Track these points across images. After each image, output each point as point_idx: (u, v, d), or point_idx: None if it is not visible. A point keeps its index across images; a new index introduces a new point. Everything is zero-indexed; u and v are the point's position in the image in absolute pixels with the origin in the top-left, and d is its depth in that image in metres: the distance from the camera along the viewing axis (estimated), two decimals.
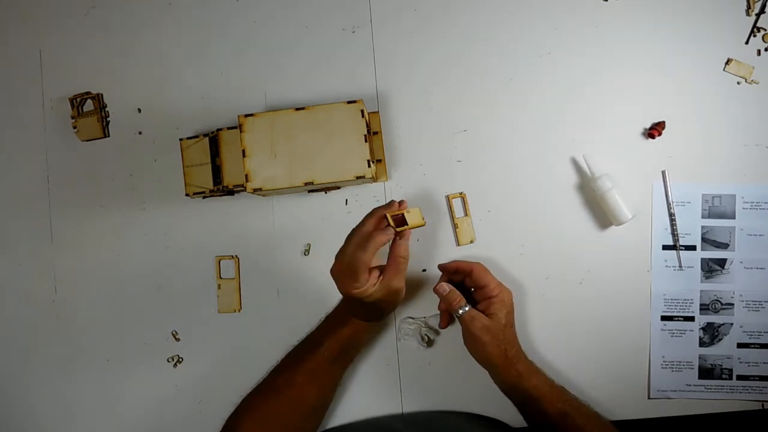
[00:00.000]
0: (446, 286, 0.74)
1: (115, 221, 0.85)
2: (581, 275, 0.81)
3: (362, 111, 0.73)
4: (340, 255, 0.68)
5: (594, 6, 0.82)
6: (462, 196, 0.82)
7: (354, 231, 0.68)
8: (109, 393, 0.84)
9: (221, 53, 0.85)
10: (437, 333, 0.82)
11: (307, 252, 0.83)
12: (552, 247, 0.81)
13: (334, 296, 0.81)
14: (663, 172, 0.81)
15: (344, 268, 0.67)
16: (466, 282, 0.76)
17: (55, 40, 0.86)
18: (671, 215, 0.81)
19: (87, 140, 0.85)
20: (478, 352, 0.73)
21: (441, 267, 0.77)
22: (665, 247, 0.81)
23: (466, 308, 0.72)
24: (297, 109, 0.73)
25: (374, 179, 0.77)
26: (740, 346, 0.81)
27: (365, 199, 0.83)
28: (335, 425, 0.81)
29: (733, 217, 0.80)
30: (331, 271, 0.69)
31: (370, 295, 0.68)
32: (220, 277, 0.83)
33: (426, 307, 0.82)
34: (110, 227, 0.85)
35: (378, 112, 0.82)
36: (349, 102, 0.73)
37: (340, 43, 0.84)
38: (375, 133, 0.82)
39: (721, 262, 0.81)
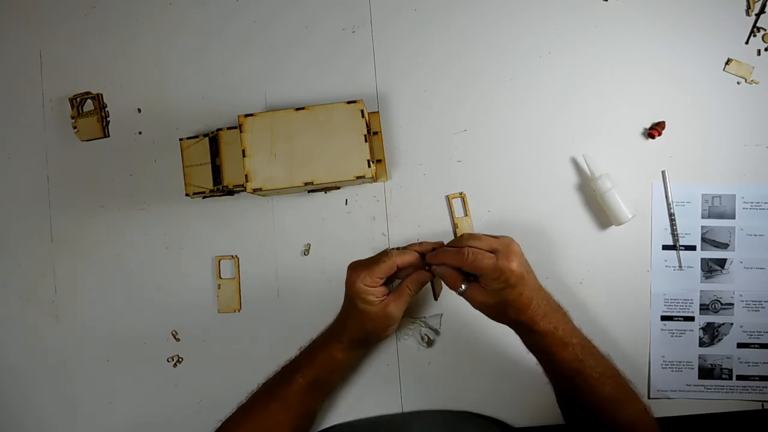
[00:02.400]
0: (439, 270, 0.69)
1: (115, 221, 0.85)
2: (581, 275, 0.81)
3: (362, 111, 0.73)
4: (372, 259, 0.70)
5: (594, 6, 0.82)
6: (462, 196, 0.82)
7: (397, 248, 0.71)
8: (109, 393, 0.84)
9: (221, 53, 0.85)
10: (437, 333, 0.82)
11: (307, 252, 0.83)
12: (552, 247, 0.81)
13: (334, 296, 0.82)
14: (663, 172, 0.81)
15: (369, 260, 0.69)
16: None
17: (55, 40, 0.86)
18: (671, 215, 0.81)
19: (87, 140, 0.85)
20: (489, 317, 0.69)
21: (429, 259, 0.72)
22: (665, 247, 0.81)
23: (464, 287, 0.67)
24: (297, 109, 0.73)
25: (374, 179, 0.77)
26: (740, 346, 0.81)
27: (365, 199, 0.83)
28: (335, 424, 0.81)
29: (733, 217, 0.81)
30: (351, 263, 0.70)
31: (370, 302, 0.68)
32: (220, 277, 0.83)
33: (426, 307, 0.82)
34: (110, 227, 0.85)
35: (378, 112, 0.82)
36: (349, 102, 0.73)
37: (340, 43, 0.84)
38: (375, 133, 0.82)
39: (721, 262, 0.81)
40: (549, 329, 0.67)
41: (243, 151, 0.73)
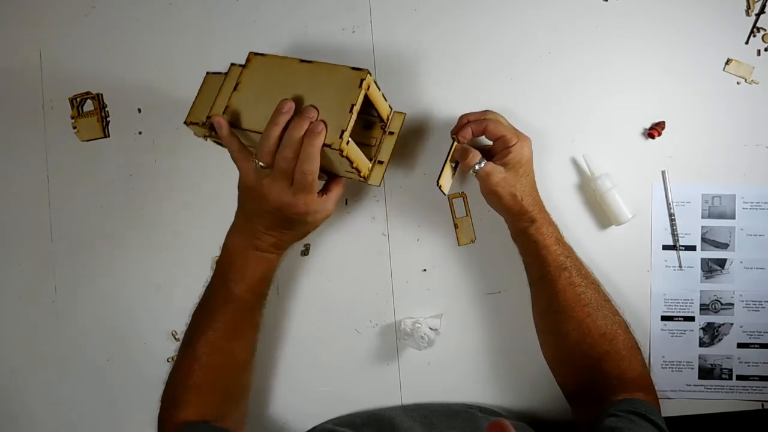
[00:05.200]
0: (460, 147, 0.73)
1: (115, 221, 0.85)
2: None
3: (362, 81, 0.65)
4: None
5: (594, 6, 0.82)
6: (462, 196, 0.82)
7: None
8: (109, 393, 0.84)
9: (221, 53, 0.84)
10: (437, 333, 0.82)
11: (306, 252, 0.83)
12: None
13: (335, 296, 0.82)
14: (663, 172, 0.81)
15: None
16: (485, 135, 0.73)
17: (55, 40, 0.86)
18: (671, 215, 0.81)
19: (87, 140, 0.85)
20: (494, 203, 0.74)
21: (456, 133, 0.73)
22: (665, 247, 0.81)
23: (482, 164, 0.71)
24: (302, 61, 0.68)
25: (366, 179, 0.71)
26: (740, 346, 0.81)
27: (365, 199, 0.83)
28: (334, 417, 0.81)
29: (733, 217, 0.81)
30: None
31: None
32: None
33: (426, 307, 0.82)
34: (110, 227, 0.85)
35: (405, 113, 0.75)
36: (353, 68, 0.67)
37: (340, 43, 0.84)
38: (391, 133, 0.75)
39: (721, 262, 0.81)
40: (546, 221, 0.73)
41: (236, 84, 0.68)
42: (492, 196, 0.72)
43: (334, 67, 0.67)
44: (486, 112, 0.73)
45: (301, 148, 0.63)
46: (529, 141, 0.72)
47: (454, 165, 0.75)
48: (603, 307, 0.72)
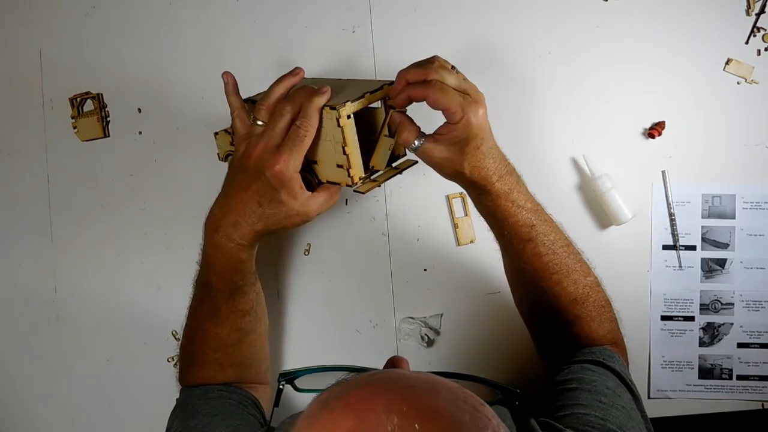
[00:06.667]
0: (397, 116, 0.63)
1: (115, 221, 0.85)
2: None
3: (383, 85, 0.65)
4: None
5: (594, 6, 0.82)
6: (462, 196, 0.82)
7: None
8: (109, 393, 0.84)
9: (221, 53, 0.84)
10: (437, 333, 0.82)
11: (307, 252, 0.83)
12: None
13: (335, 296, 0.82)
14: (663, 172, 0.81)
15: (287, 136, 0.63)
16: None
17: (55, 40, 0.86)
18: (671, 215, 0.81)
19: (87, 140, 0.85)
20: (442, 175, 0.65)
21: (393, 99, 0.63)
22: (665, 247, 0.81)
23: (421, 141, 0.62)
24: (343, 80, 0.70)
25: (353, 182, 0.65)
26: (740, 346, 0.81)
27: (365, 199, 0.83)
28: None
29: (733, 217, 0.81)
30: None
31: (296, 194, 0.63)
32: None
33: (426, 307, 0.82)
34: (110, 227, 0.85)
35: (417, 161, 0.71)
36: (390, 83, 0.65)
37: (340, 43, 0.84)
38: (396, 167, 0.72)
39: (721, 262, 0.81)
40: (503, 191, 0.64)
41: None
42: (437, 171, 0.65)
43: (366, 80, 0.68)
44: (429, 66, 0.60)
45: (302, 106, 0.61)
46: (479, 108, 0.60)
47: (388, 135, 0.65)
48: (574, 271, 0.68)
